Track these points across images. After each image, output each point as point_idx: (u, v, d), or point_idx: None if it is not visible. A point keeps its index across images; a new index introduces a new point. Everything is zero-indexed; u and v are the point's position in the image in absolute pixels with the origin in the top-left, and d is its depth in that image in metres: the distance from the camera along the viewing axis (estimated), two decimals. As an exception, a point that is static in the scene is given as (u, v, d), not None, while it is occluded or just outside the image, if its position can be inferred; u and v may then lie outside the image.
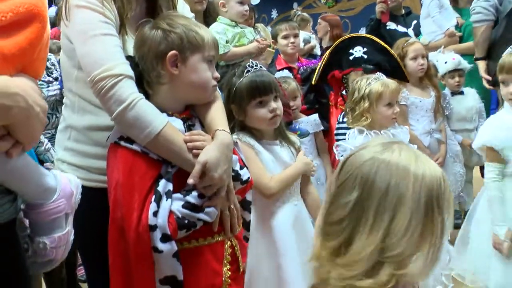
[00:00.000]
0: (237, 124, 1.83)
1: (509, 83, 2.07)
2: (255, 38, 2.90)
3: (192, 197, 1.27)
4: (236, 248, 1.41)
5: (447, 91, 3.20)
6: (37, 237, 1.07)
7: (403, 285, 0.86)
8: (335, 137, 2.52)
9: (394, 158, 0.85)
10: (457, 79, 3.11)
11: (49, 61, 2.66)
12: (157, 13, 1.44)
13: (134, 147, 1.28)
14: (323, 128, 2.88)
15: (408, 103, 2.88)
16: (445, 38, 3.66)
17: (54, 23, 2.95)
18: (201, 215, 1.28)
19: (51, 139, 2.21)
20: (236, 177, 1.38)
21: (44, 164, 1.13)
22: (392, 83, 2.19)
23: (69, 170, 1.36)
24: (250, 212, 1.51)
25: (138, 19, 1.40)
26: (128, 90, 1.26)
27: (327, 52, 2.84)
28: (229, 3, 2.81)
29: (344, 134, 2.33)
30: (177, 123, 1.34)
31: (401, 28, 3.82)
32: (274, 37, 3.24)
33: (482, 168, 2.82)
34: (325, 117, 2.99)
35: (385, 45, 2.65)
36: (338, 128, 2.50)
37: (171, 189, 1.27)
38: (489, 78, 3.15)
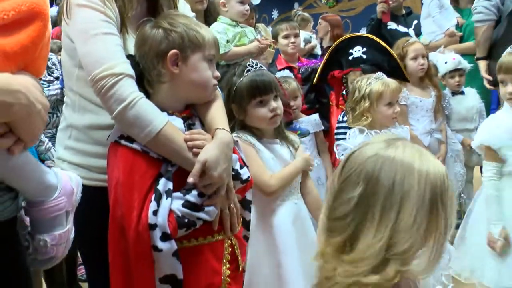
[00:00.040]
0: (237, 123, 1.83)
1: (507, 83, 2.08)
2: (255, 38, 2.90)
3: (192, 196, 1.28)
4: (235, 247, 1.41)
5: (447, 91, 3.20)
6: (37, 234, 1.07)
7: (406, 281, 0.87)
8: (335, 137, 2.52)
9: (398, 154, 0.86)
10: (457, 79, 3.11)
11: (50, 61, 2.67)
12: (158, 12, 1.45)
13: (135, 146, 1.28)
14: (323, 128, 2.88)
15: (408, 103, 2.88)
16: (446, 38, 3.66)
17: (55, 22, 2.96)
18: (201, 214, 1.28)
19: (52, 138, 2.21)
20: (236, 176, 1.38)
21: (45, 162, 1.13)
22: (392, 82, 2.19)
23: (70, 169, 1.37)
24: (250, 212, 1.51)
25: (139, 18, 1.41)
26: (129, 89, 1.27)
27: (328, 52, 2.85)
28: (230, 2, 2.81)
29: (344, 133, 2.33)
30: (178, 122, 1.34)
31: (402, 28, 3.82)
32: (275, 37, 3.24)
33: (482, 168, 2.82)
34: (325, 117, 3.00)
35: (385, 45, 2.65)
36: (338, 128, 2.51)
37: (171, 188, 1.27)
38: (490, 78, 3.15)
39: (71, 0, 1.33)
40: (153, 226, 1.23)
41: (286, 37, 3.15)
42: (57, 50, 2.91)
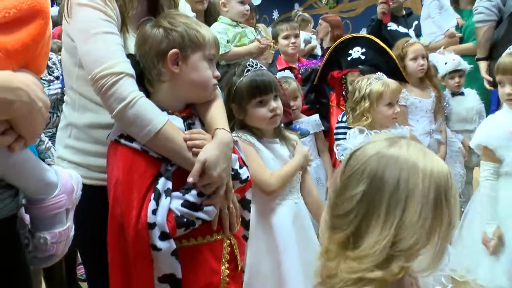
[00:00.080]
0: (237, 123, 1.83)
1: (505, 84, 2.09)
2: (256, 38, 2.91)
3: (191, 196, 1.28)
4: (234, 247, 1.41)
5: (447, 92, 3.20)
6: (38, 232, 1.07)
7: (408, 279, 0.88)
8: (335, 137, 2.52)
9: (403, 153, 0.87)
10: (457, 79, 3.11)
11: (50, 60, 2.67)
12: (159, 12, 1.45)
13: (134, 145, 1.28)
14: (323, 129, 2.89)
15: (408, 103, 2.89)
16: (445, 39, 3.67)
17: (56, 22, 2.96)
18: (200, 214, 1.28)
19: (52, 138, 2.21)
20: (236, 176, 1.38)
21: (45, 160, 1.13)
22: (392, 83, 2.20)
23: (69, 168, 1.37)
24: (249, 211, 1.51)
25: (140, 18, 1.41)
26: (129, 88, 1.27)
27: (327, 53, 2.85)
28: (230, 2, 2.82)
29: (344, 133, 2.33)
30: (177, 122, 1.34)
31: (402, 29, 3.83)
32: (275, 37, 3.24)
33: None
34: (325, 117, 3.00)
35: (385, 46, 2.65)
36: (337, 128, 2.51)
37: (170, 187, 1.28)
38: (490, 78, 3.15)
39: None
40: (152, 225, 1.24)
41: (286, 37, 3.15)
42: (58, 50, 2.91)
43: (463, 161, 3.10)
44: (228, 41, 2.78)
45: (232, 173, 1.36)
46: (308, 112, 2.91)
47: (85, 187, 1.23)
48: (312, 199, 1.93)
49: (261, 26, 4.15)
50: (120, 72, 1.26)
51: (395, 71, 2.60)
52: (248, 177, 1.42)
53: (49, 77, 2.59)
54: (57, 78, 2.64)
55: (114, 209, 1.28)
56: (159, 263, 1.26)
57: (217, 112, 1.41)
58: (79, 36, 1.32)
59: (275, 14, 9.00)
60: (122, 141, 1.29)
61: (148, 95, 1.34)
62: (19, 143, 0.97)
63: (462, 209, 2.42)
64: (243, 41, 2.84)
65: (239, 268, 1.44)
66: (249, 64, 1.79)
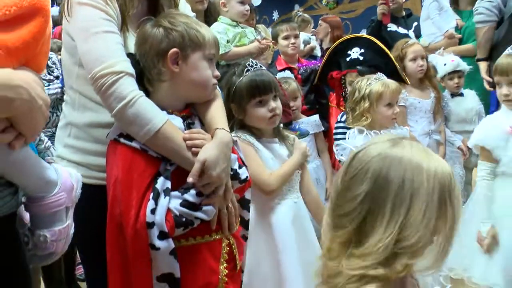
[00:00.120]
0: (236, 122, 1.84)
1: (502, 85, 2.10)
2: (256, 38, 2.91)
3: (190, 195, 1.28)
4: (233, 246, 1.41)
5: (446, 93, 3.20)
6: (37, 230, 1.07)
7: (410, 280, 0.89)
8: (334, 136, 2.52)
9: (406, 153, 0.88)
10: (456, 80, 3.11)
11: (50, 60, 2.67)
12: (159, 11, 1.45)
13: (134, 144, 1.29)
14: (323, 129, 2.89)
15: (407, 104, 2.89)
16: (445, 40, 3.67)
17: (57, 22, 2.96)
18: (199, 214, 1.29)
19: (51, 137, 2.20)
20: (235, 176, 1.38)
21: (45, 158, 1.13)
22: (392, 83, 2.20)
23: (69, 167, 1.37)
24: (248, 211, 1.51)
25: (140, 17, 1.41)
26: (129, 88, 1.27)
27: (327, 53, 2.85)
28: (230, 2, 2.82)
29: (343, 133, 2.34)
30: (177, 121, 1.34)
31: (402, 30, 3.83)
32: (275, 37, 3.24)
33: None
34: (324, 118, 3.00)
35: (383, 47, 2.65)
36: (336, 127, 2.51)
37: (169, 187, 1.28)
38: (490, 79, 3.15)
39: None
40: (150, 225, 1.24)
41: (286, 38, 3.15)
42: (57, 50, 2.91)
43: (463, 162, 3.10)
44: (228, 41, 2.78)
45: (231, 173, 1.37)
46: (308, 113, 2.92)
47: (85, 186, 1.22)
48: (311, 198, 1.94)
49: (261, 26, 4.15)
50: (120, 71, 1.26)
51: (394, 72, 2.61)
52: (247, 177, 1.43)
53: (48, 77, 2.59)
54: (57, 77, 2.64)
55: (113, 208, 1.28)
56: (157, 262, 1.26)
57: (217, 112, 1.41)
58: (80, 35, 1.33)
59: (275, 15, 9.00)
60: (122, 140, 1.29)
61: (148, 94, 1.34)
62: (19, 141, 0.97)
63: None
64: (243, 41, 2.84)
65: (238, 268, 1.44)
66: (248, 64, 1.79)
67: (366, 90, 2.16)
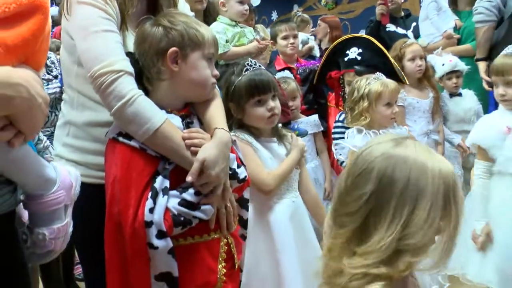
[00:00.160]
0: (235, 122, 1.83)
1: (498, 85, 2.12)
2: (255, 38, 2.91)
3: (189, 195, 1.28)
4: (231, 246, 1.41)
5: (445, 93, 3.21)
6: (36, 228, 1.07)
7: (411, 279, 0.90)
8: (332, 136, 2.53)
9: (411, 153, 0.88)
10: (454, 80, 3.12)
11: (49, 59, 2.67)
12: (158, 10, 1.45)
13: (133, 143, 1.29)
14: (322, 129, 2.89)
15: (406, 104, 2.89)
16: (443, 40, 3.68)
17: (56, 22, 2.96)
18: (197, 213, 1.29)
19: (50, 137, 2.20)
20: (233, 175, 1.38)
21: (44, 156, 1.13)
22: (391, 83, 2.21)
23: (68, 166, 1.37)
24: (247, 210, 1.51)
25: (139, 16, 1.41)
26: (128, 86, 1.27)
27: (326, 53, 2.85)
28: (229, 2, 2.82)
29: (341, 133, 2.34)
30: (176, 120, 1.34)
31: (400, 30, 3.84)
32: (274, 37, 3.24)
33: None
34: (323, 118, 3.00)
35: (381, 47, 2.65)
36: (335, 127, 2.52)
37: (168, 186, 1.28)
38: (489, 79, 3.15)
39: None
40: (149, 224, 1.24)
41: (285, 38, 3.15)
42: (56, 49, 2.91)
43: (461, 162, 3.11)
44: (227, 41, 2.78)
45: (230, 172, 1.37)
46: (307, 112, 2.92)
47: (83, 185, 1.22)
48: (310, 197, 1.94)
49: (259, 26, 4.15)
50: (119, 70, 1.26)
51: (392, 72, 2.61)
52: (245, 176, 1.43)
53: (47, 76, 2.59)
54: (56, 77, 2.64)
55: (112, 207, 1.28)
56: (156, 261, 1.26)
57: (216, 111, 1.41)
58: (79, 34, 1.33)
59: (274, 15, 9.00)
60: (121, 139, 1.29)
61: (147, 93, 1.34)
62: (18, 139, 0.97)
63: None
64: (242, 41, 2.84)
65: (236, 267, 1.44)
66: (247, 64, 1.79)
67: (365, 89, 2.17)
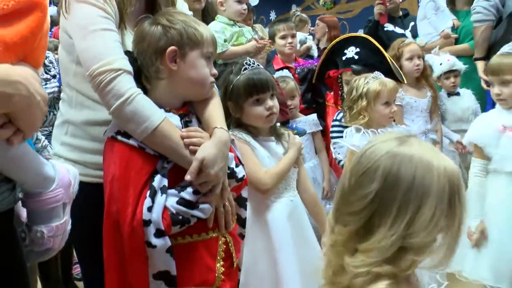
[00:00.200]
0: (233, 121, 1.83)
1: (494, 84, 2.13)
2: (253, 37, 2.91)
3: (187, 194, 1.28)
4: (230, 244, 1.41)
5: (443, 92, 3.22)
6: (34, 226, 1.07)
7: (413, 277, 0.89)
8: (330, 134, 2.53)
9: (416, 151, 0.87)
10: (452, 79, 3.13)
11: (47, 59, 2.66)
12: (156, 9, 1.45)
13: (131, 142, 1.29)
14: (321, 128, 2.89)
15: (403, 103, 2.90)
16: (441, 40, 3.69)
17: (55, 22, 2.95)
18: (195, 212, 1.29)
19: (48, 136, 2.20)
20: (232, 174, 1.39)
21: (43, 154, 1.13)
22: (390, 82, 2.21)
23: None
24: (245, 209, 1.52)
25: (137, 15, 1.41)
26: (127, 85, 1.27)
27: (324, 52, 2.86)
28: (227, 1, 2.82)
29: (339, 131, 2.35)
30: (174, 119, 1.34)
31: (398, 30, 3.84)
32: (272, 37, 3.24)
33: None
34: (321, 117, 3.01)
35: (379, 46, 2.65)
36: (333, 126, 2.52)
37: (166, 184, 1.28)
38: (487, 78, 3.16)
39: None
40: (147, 222, 1.24)
41: (283, 37, 3.15)
42: (54, 49, 2.91)
43: (459, 161, 3.11)
44: (225, 40, 2.78)
45: (228, 171, 1.37)
46: (305, 112, 2.92)
47: (82, 184, 1.22)
48: (309, 196, 1.94)
49: (258, 26, 4.15)
50: (118, 69, 1.26)
51: (389, 71, 2.61)
52: (244, 175, 1.43)
53: (45, 76, 2.58)
54: (54, 76, 2.64)
55: (110, 206, 1.28)
56: (154, 260, 1.26)
57: (215, 110, 1.41)
58: (78, 33, 1.32)
59: (272, 15, 8.99)
60: (119, 137, 1.29)
61: (146, 92, 1.34)
62: (17, 137, 0.97)
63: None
64: (240, 40, 2.85)
65: (235, 266, 1.44)
66: (246, 63, 1.79)
67: (363, 88, 2.17)
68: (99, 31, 1.30)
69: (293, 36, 3.18)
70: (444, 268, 0.89)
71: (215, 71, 1.41)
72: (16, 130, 0.97)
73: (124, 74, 1.27)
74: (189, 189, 1.28)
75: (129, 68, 1.30)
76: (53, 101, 2.54)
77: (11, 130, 0.96)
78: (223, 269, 1.37)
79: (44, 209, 1.07)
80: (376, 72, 2.26)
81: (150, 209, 1.24)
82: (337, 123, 2.52)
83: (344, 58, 2.65)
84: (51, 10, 3.61)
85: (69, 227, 1.13)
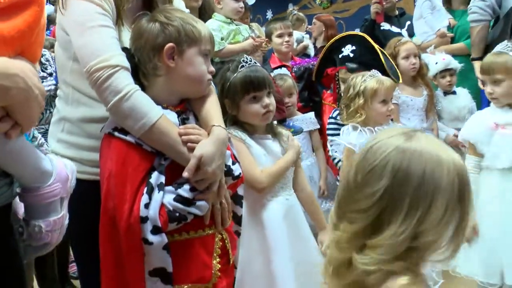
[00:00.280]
0: (229, 118, 1.83)
1: (486, 83, 2.15)
2: (250, 35, 2.91)
3: (184, 191, 1.28)
4: (226, 241, 1.42)
5: (439, 91, 3.23)
6: (32, 220, 1.07)
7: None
8: (327, 132, 2.54)
9: (424, 146, 0.86)
10: (448, 78, 3.14)
11: (44, 57, 2.65)
12: (153, 6, 1.45)
13: (128, 138, 1.28)
14: (318, 127, 2.90)
15: (399, 101, 2.91)
16: (437, 39, 3.70)
17: (53, 20, 2.94)
18: (192, 209, 1.29)
19: (45, 134, 2.19)
20: (228, 172, 1.39)
21: (40, 149, 1.13)
22: (387, 80, 2.22)
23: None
24: (241, 207, 1.52)
25: (134, 12, 1.41)
26: (124, 81, 1.27)
27: (323, 50, 2.86)
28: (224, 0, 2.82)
29: (335, 129, 2.35)
30: (172, 116, 1.34)
31: (395, 29, 3.85)
32: (269, 35, 3.25)
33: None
34: (318, 115, 3.01)
35: (374, 45, 2.66)
36: (329, 123, 2.53)
37: (163, 181, 1.28)
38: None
39: None
40: (144, 219, 1.24)
41: (280, 36, 3.16)
42: (50, 47, 2.90)
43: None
44: (222, 39, 2.79)
45: (225, 169, 1.37)
46: (302, 110, 2.93)
47: (78, 181, 1.22)
48: (305, 194, 1.93)
49: (254, 25, 4.15)
50: (116, 65, 1.26)
51: (382, 70, 2.62)
52: (240, 173, 1.43)
53: (42, 74, 2.57)
54: (51, 74, 2.63)
55: (107, 203, 1.28)
56: (150, 257, 1.26)
57: (212, 108, 1.41)
58: (75, 29, 1.32)
59: (269, 14, 9.00)
60: (116, 134, 1.29)
61: (143, 89, 1.34)
62: (15, 130, 0.97)
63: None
64: (237, 38, 2.85)
65: (231, 262, 1.44)
66: (243, 60, 1.79)
67: (360, 86, 2.18)
68: (97, 27, 1.29)
69: (290, 34, 3.19)
70: (447, 263, 0.88)
71: (212, 68, 1.41)
72: (14, 124, 0.97)
73: (122, 71, 1.27)
74: (186, 186, 1.28)
75: (127, 64, 1.29)
76: (50, 99, 2.53)
77: (9, 123, 0.96)
78: (219, 266, 1.38)
79: (41, 204, 1.06)
80: (373, 70, 2.26)
81: (147, 205, 1.24)
82: (332, 120, 2.53)
83: (340, 56, 2.66)
84: (48, 8, 3.60)
85: (66, 221, 1.13)
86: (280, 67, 3.07)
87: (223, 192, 1.37)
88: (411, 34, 3.89)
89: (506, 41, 2.21)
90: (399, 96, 2.89)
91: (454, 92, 3.18)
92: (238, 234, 1.52)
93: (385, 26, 3.86)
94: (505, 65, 2.07)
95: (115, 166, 1.27)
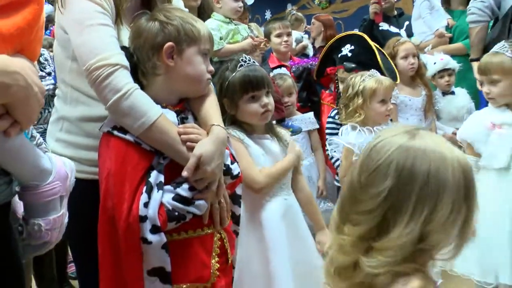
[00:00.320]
0: (228, 118, 1.82)
1: (484, 84, 2.16)
2: (249, 35, 2.91)
3: (183, 190, 1.28)
4: (225, 241, 1.42)
5: (438, 91, 3.23)
6: (32, 219, 1.07)
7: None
8: (326, 131, 2.54)
9: (428, 144, 0.84)
10: (446, 78, 3.15)
11: (42, 56, 2.65)
12: (152, 6, 1.45)
13: (127, 137, 1.28)
14: (318, 127, 2.90)
15: (398, 101, 2.91)
16: (435, 39, 3.70)
17: (53, 20, 2.94)
18: (191, 208, 1.29)
19: (43, 134, 2.19)
20: (227, 171, 1.39)
21: (39, 147, 1.13)
22: (386, 80, 2.22)
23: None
24: (240, 206, 1.52)
25: (133, 11, 1.41)
26: (124, 80, 1.27)
27: (324, 49, 2.87)
28: (223, -1, 2.82)
29: (333, 129, 2.35)
30: (171, 116, 1.34)
31: (393, 29, 3.86)
32: (267, 35, 3.25)
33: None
34: (317, 115, 3.01)
35: (372, 44, 2.66)
36: (328, 123, 2.53)
37: (162, 180, 1.28)
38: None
39: None
40: (143, 218, 1.23)
41: (278, 35, 3.16)
42: (48, 46, 2.90)
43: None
44: (221, 38, 2.78)
45: (224, 168, 1.37)
46: (301, 110, 2.93)
47: (77, 181, 1.21)
48: (304, 195, 1.93)
49: (253, 25, 4.16)
50: (115, 64, 1.26)
51: (378, 70, 2.62)
52: (239, 172, 1.43)
53: (41, 73, 2.57)
54: (49, 74, 2.63)
55: (106, 201, 1.28)
56: (149, 256, 1.26)
57: (211, 107, 1.41)
58: (74, 28, 1.32)
59: (268, 14, 9.00)
60: (115, 132, 1.29)
61: (142, 88, 1.33)
62: (15, 128, 0.97)
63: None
64: (236, 38, 2.85)
65: (229, 262, 1.44)
66: (242, 60, 1.79)
67: (359, 86, 2.18)
68: (96, 26, 1.29)
69: (289, 34, 3.19)
70: (451, 262, 0.87)
71: (211, 68, 1.41)
72: (13, 122, 0.96)
73: (121, 69, 1.27)
74: (185, 186, 1.28)
75: (126, 63, 1.29)
76: (48, 99, 2.53)
77: (8, 121, 0.95)
78: (218, 265, 1.37)
79: (41, 202, 1.06)
80: (372, 70, 2.27)
81: (146, 205, 1.24)
82: (331, 120, 2.53)
83: (339, 55, 2.66)
84: (47, 8, 3.59)
85: (66, 220, 1.13)
86: (279, 67, 3.07)
87: (222, 192, 1.37)
88: (409, 34, 3.90)
89: (503, 41, 2.22)
90: (397, 96, 2.90)
91: (452, 92, 3.19)
92: (236, 233, 1.52)
93: (384, 26, 3.87)
94: (501, 65, 2.08)
95: (114, 165, 1.26)
